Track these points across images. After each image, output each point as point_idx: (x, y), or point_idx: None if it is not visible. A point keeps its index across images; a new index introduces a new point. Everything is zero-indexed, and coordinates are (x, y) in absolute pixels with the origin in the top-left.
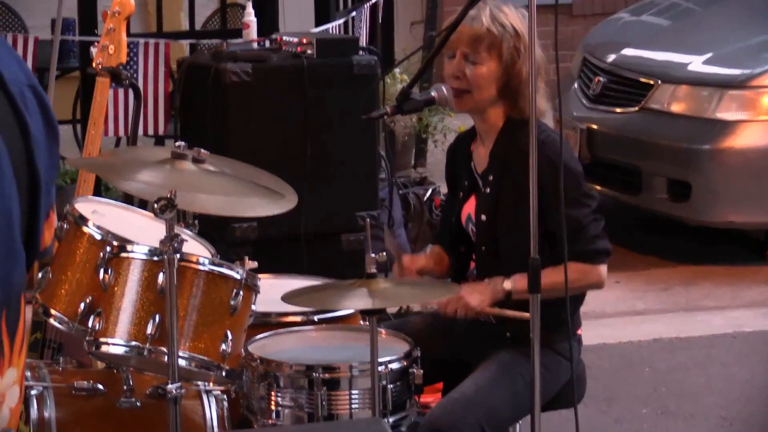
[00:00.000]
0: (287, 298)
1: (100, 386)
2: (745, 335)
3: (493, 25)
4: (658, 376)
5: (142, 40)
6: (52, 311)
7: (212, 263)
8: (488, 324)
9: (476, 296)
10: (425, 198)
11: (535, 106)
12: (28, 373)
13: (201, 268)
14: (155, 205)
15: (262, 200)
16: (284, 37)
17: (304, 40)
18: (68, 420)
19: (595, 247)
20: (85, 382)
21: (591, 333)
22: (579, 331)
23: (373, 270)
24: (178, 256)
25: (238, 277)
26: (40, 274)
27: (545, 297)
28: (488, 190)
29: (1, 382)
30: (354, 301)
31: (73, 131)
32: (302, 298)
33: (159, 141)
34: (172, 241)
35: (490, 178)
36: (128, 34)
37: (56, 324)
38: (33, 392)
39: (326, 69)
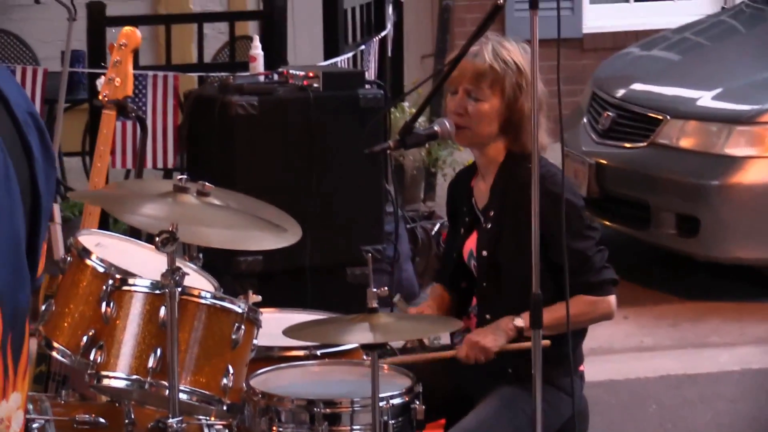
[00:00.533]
0: (289, 332)
1: (102, 420)
2: (753, 372)
3: (495, 62)
4: (665, 413)
5: (150, 73)
6: (55, 344)
7: (214, 297)
8: (490, 360)
9: (490, 338)
10: (433, 232)
11: (538, 142)
12: (30, 406)
13: (203, 301)
14: (156, 239)
15: (266, 234)
16: (291, 70)
17: (311, 74)
18: None
19: (602, 278)
20: (87, 416)
21: (598, 368)
22: (581, 368)
23: (375, 304)
24: (179, 289)
25: (239, 310)
26: (43, 307)
27: (555, 332)
28: (489, 226)
29: (6, 406)
30: (355, 336)
31: (82, 163)
32: (304, 333)
33: (168, 174)
34: (173, 274)
35: (491, 213)
36: (137, 66)
37: (59, 357)
38: (35, 425)
39: (332, 102)
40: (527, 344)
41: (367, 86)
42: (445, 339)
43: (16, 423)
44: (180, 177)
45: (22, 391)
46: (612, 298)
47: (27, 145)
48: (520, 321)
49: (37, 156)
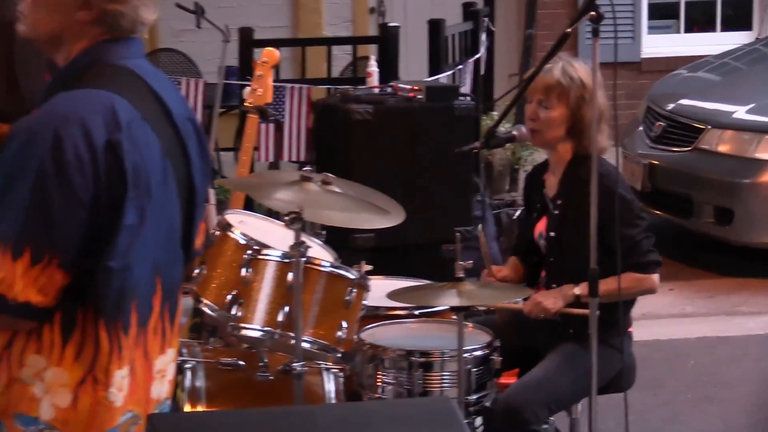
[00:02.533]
0: (392, 295)
1: (241, 362)
2: None
3: (563, 78)
4: (701, 368)
5: (288, 85)
6: (204, 300)
7: (332, 266)
8: (555, 322)
9: (551, 300)
10: (514, 216)
11: (597, 145)
12: (185, 350)
13: (323, 269)
14: (285, 218)
15: (376, 216)
16: (400, 84)
17: (416, 87)
18: (215, 389)
19: (647, 259)
20: (229, 359)
21: (647, 331)
22: (630, 329)
23: (462, 274)
24: (304, 259)
25: (352, 277)
26: (197, 270)
27: (606, 301)
28: (557, 212)
29: (164, 359)
30: (445, 299)
31: (234, 158)
32: (404, 296)
33: (301, 167)
34: (299, 247)
35: (559, 202)
36: (277, 80)
37: (207, 311)
38: (188, 366)
39: (433, 111)
40: (581, 310)
41: (461, 98)
42: None
43: (170, 372)
44: (306, 169)
45: (176, 347)
46: (655, 277)
47: (185, 148)
48: (578, 289)
49: (194, 157)
